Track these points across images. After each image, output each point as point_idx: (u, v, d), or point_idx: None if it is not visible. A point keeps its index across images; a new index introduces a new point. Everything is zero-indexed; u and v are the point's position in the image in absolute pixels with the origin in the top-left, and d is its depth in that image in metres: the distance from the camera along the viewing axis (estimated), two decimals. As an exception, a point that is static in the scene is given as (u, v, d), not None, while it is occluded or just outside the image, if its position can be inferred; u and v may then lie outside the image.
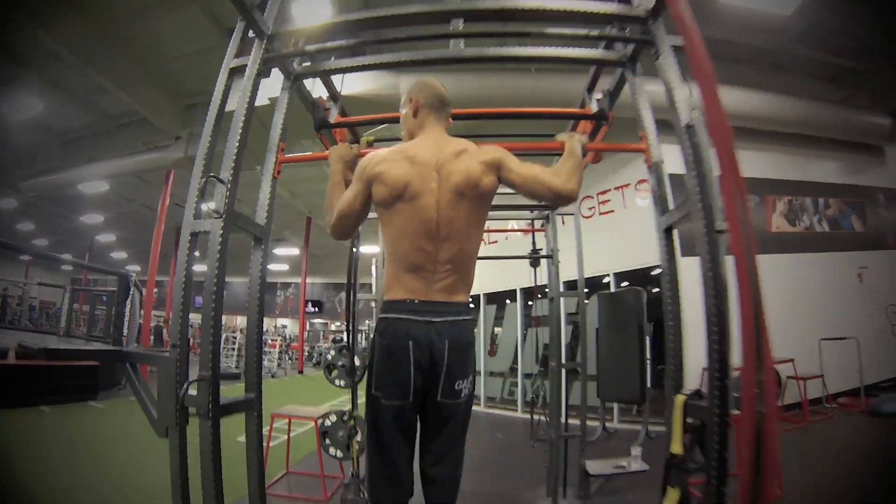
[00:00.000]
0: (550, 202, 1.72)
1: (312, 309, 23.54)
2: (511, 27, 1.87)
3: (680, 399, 1.51)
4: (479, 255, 1.72)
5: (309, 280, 18.06)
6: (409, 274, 1.62)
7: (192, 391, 1.64)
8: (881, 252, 8.41)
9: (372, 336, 1.72)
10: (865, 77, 7.79)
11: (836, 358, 6.90)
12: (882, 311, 7.88)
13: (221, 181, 1.68)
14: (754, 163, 7.39)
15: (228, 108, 1.87)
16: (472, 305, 1.71)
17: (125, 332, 10.31)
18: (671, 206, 1.77)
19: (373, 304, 4.00)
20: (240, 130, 1.75)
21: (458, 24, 1.83)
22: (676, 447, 1.48)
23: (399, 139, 1.89)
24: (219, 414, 1.62)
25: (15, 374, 7.06)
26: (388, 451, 1.62)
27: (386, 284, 1.68)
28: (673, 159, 1.88)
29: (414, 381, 1.57)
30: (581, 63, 2.13)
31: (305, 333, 17.90)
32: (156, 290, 11.37)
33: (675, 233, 1.79)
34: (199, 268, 1.88)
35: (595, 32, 1.96)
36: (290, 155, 2.02)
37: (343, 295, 22.85)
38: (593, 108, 2.24)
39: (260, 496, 1.86)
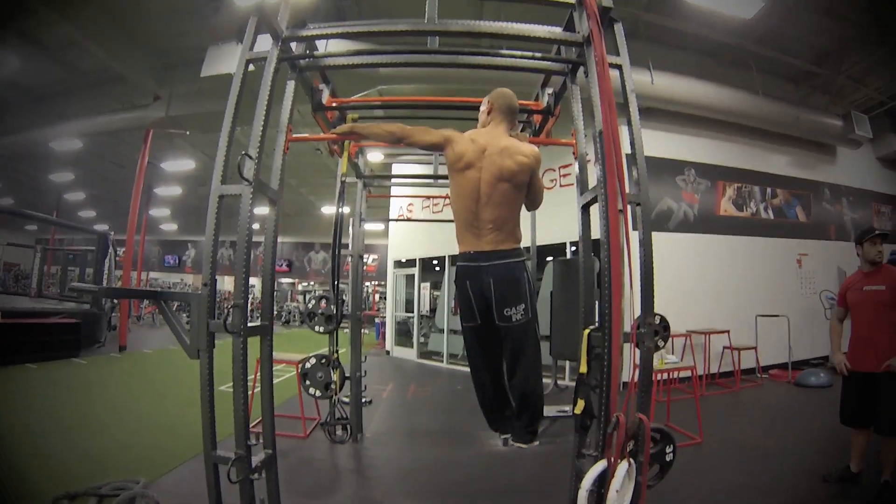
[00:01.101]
0: (530, 207, 2.37)
1: (283, 266, 23.62)
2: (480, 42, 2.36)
3: (586, 331, 2.01)
4: (446, 218, 2.30)
5: (279, 239, 18.10)
6: (464, 231, 2.22)
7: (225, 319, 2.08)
8: (822, 242, 9.16)
9: None
10: (822, 80, 8.39)
11: (770, 334, 7.62)
12: (816, 295, 8.63)
13: (251, 157, 2.15)
14: (710, 150, 7.97)
15: (220, 71, 2.29)
16: (519, 252, 2.25)
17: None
18: (588, 187, 2.27)
19: (348, 259, 4.42)
20: (262, 118, 2.20)
21: (435, 41, 2.33)
22: (583, 367, 1.99)
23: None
24: (248, 333, 2.11)
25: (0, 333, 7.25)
26: (476, 361, 2.33)
27: (457, 237, 2.24)
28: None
29: (477, 308, 2.21)
30: (534, 71, 2.65)
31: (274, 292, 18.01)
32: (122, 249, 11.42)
33: (591, 210, 2.32)
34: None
35: (539, 55, 2.54)
36: (297, 135, 2.47)
37: (312, 254, 23.21)
38: (544, 101, 2.75)
39: (269, 403, 2.38)
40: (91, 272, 11.49)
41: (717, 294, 7.49)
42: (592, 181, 2.14)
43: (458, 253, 2.25)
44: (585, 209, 2.34)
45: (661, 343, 2.62)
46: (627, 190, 1.92)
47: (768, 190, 8.62)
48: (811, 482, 3.41)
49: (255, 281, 23.48)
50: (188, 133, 10.22)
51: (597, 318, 2.09)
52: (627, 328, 1.94)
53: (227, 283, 23.07)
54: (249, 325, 2.11)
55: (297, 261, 24.33)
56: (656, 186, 7.12)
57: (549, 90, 2.81)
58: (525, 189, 2.24)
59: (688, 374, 5.20)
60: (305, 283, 24.24)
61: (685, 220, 7.52)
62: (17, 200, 19.84)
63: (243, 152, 2.13)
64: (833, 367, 3.47)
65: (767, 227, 8.51)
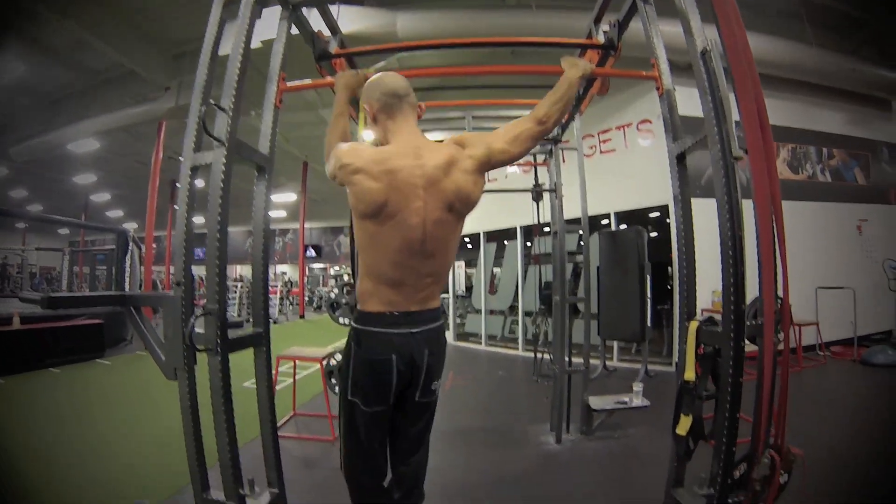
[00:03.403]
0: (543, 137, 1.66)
1: (311, 253, 23.56)
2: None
3: (693, 325, 1.51)
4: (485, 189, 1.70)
5: (307, 225, 18.03)
6: (388, 288, 1.56)
7: (199, 329, 1.63)
8: (882, 206, 8.45)
9: (347, 343, 1.65)
10: (875, 30, 7.70)
11: (831, 307, 7.00)
12: (879, 264, 7.87)
13: (223, 109, 1.62)
14: (760, 108, 7.30)
15: (226, 52, 1.80)
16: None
17: (126, 287, 10.38)
18: (680, 133, 1.73)
19: None
20: (239, 57, 1.69)
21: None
22: (690, 374, 1.49)
23: (395, 69, 1.82)
24: (227, 348, 1.62)
25: (21, 339, 7.12)
26: (365, 445, 1.65)
27: (360, 295, 1.60)
28: (684, 100, 1.84)
29: (395, 389, 1.58)
30: None
31: (305, 278, 18.02)
32: (154, 245, 11.33)
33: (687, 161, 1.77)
34: (198, 219, 1.85)
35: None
36: (293, 83, 1.97)
37: (342, 237, 22.92)
38: (601, 38, 2.16)
39: (272, 431, 1.90)
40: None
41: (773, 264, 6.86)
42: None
43: (363, 312, 1.59)
44: (681, 160, 1.75)
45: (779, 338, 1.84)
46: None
47: (824, 150, 7.93)
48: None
49: (286, 268, 23.83)
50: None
51: (723, 303, 1.47)
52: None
53: (249, 273, 23.13)
54: (237, 335, 1.66)
55: (327, 245, 24.33)
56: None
57: (605, 26, 2.22)
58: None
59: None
60: (337, 268, 24.07)
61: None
62: (47, 206, 20.20)
63: (211, 101, 1.59)
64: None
65: (825, 190, 7.84)
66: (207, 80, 1.74)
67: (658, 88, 1.84)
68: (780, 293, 1.43)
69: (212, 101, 1.61)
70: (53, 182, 16.57)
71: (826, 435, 3.81)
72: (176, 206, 1.84)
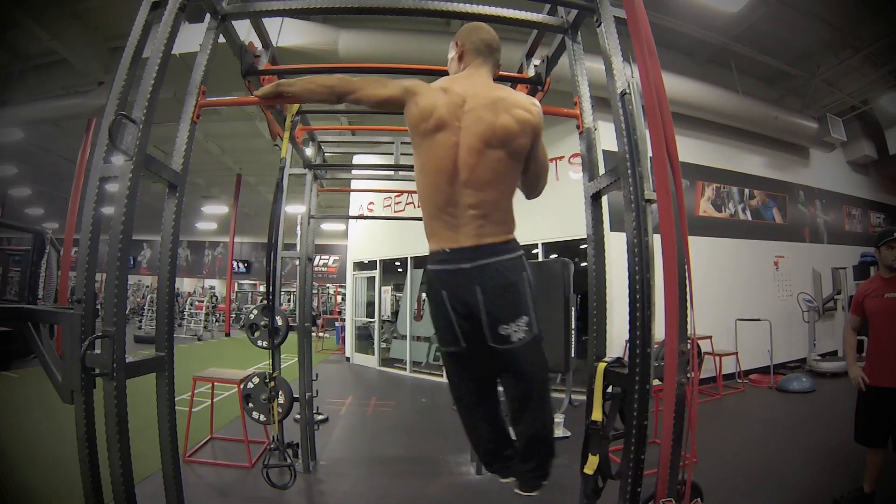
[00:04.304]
0: (529, 193, 1.73)
1: (241, 269, 22.82)
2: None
3: (601, 366, 1.53)
4: (409, 216, 1.67)
5: (237, 239, 17.41)
6: (436, 220, 1.57)
7: (99, 350, 1.52)
8: (797, 244, 9.09)
9: None
10: (797, 82, 8.37)
11: (750, 337, 7.43)
12: (794, 297, 8.44)
13: (133, 121, 1.54)
14: (688, 148, 7.65)
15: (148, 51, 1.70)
16: (514, 244, 1.61)
17: (40, 293, 9.54)
18: (601, 172, 1.78)
19: (296, 262, 3.89)
20: (156, 67, 1.61)
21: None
22: (597, 414, 1.51)
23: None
24: (124, 373, 1.51)
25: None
26: (464, 397, 1.65)
27: (427, 234, 1.62)
28: (606, 135, 1.90)
29: (460, 328, 1.56)
30: (523, 25, 2.06)
31: (233, 294, 17.31)
32: (74, 249, 10.55)
33: (603, 200, 1.82)
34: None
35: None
36: (213, 98, 1.87)
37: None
38: (530, 72, 2.21)
39: (173, 462, 1.77)
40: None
41: (697, 298, 7.15)
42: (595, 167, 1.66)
43: (428, 252, 1.61)
44: (596, 199, 1.80)
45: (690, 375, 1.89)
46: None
47: (746, 191, 8.48)
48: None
49: (215, 282, 22.77)
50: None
51: (628, 346, 1.52)
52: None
53: (185, 285, 22.07)
54: (134, 359, 1.55)
55: (257, 261, 23.50)
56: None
57: (537, 60, 2.26)
58: (522, 161, 1.60)
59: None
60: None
61: (665, 221, 7.20)
62: (-46, 196, 18.41)
63: (120, 112, 1.51)
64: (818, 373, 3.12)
65: (746, 228, 8.34)
66: (125, 87, 1.64)
67: (578, 127, 1.89)
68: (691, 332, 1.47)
69: (122, 113, 1.53)
70: (-36, 172, 15.20)
71: (744, 455, 4.09)
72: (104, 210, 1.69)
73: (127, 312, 1.62)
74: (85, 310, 1.50)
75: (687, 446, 1.50)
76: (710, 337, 6.74)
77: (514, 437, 1.69)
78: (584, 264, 1.95)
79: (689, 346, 1.36)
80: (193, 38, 1.77)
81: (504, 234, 1.58)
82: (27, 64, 8.86)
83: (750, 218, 8.45)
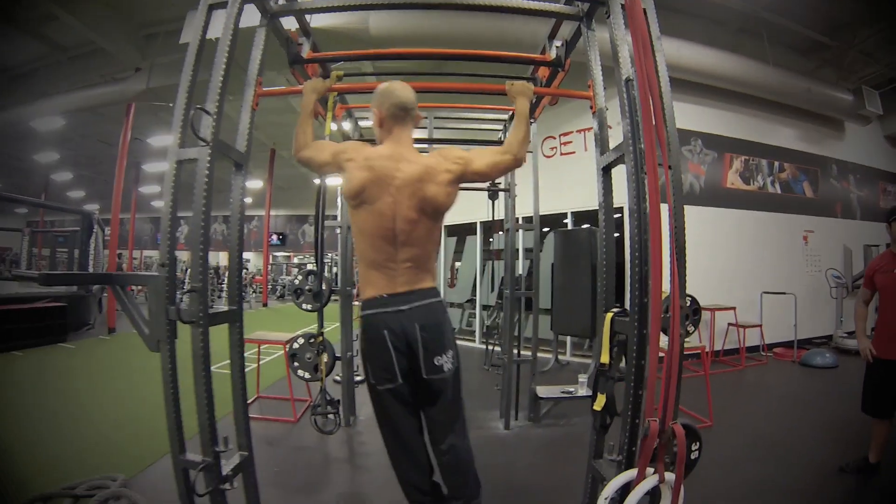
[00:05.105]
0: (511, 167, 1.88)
1: (276, 241, 23.34)
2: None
3: (609, 315, 1.75)
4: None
5: (272, 212, 17.89)
6: (374, 272, 1.79)
7: (182, 307, 1.80)
8: (828, 219, 8.95)
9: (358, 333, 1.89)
10: (832, 53, 8.08)
11: (775, 311, 7.46)
12: (822, 273, 8.41)
13: (208, 112, 1.81)
14: (717, 120, 7.65)
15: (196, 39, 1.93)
16: (437, 290, 1.88)
17: (90, 268, 10.14)
18: (610, 148, 1.98)
19: (337, 231, 4.17)
20: (223, 65, 1.87)
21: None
22: (605, 357, 1.73)
23: (365, 73, 2.02)
24: (208, 322, 1.80)
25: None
26: (396, 431, 1.85)
27: (360, 285, 1.85)
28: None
29: (398, 364, 1.77)
30: (542, 15, 2.24)
31: (269, 266, 17.94)
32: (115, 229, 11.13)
33: (613, 172, 2.01)
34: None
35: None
36: (268, 88, 2.14)
37: (307, 226, 22.85)
38: (552, 54, 2.40)
39: (242, 399, 2.10)
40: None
41: (722, 269, 7.25)
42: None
43: (362, 301, 1.83)
44: (607, 172, 2.01)
45: (690, 328, 2.19)
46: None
47: (776, 164, 8.36)
48: (829, 473, 3.23)
49: (250, 255, 23.47)
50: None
51: (627, 300, 1.74)
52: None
53: (221, 259, 22.93)
54: (216, 310, 1.84)
55: (291, 233, 24.09)
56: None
57: (558, 42, 2.45)
58: (443, 218, 1.85)
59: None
60: (301, 256, 23.86)
61: (691, 192, 7.21)
62: (5, 184, 19.41)
63: (198, 106, 1.79)
64: (838, 348, 3.25)
65: (774, 201, 8.26)
66: (191, 83, 1.90)
67: (591, 108, 2.09)
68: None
69: (199, 106, 1.81)
70: (12, 159, 15.98)
71: (759, 424, 4.25)
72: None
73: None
74: (169, 272, 1.79)
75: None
76: (734, 308, 6.81)
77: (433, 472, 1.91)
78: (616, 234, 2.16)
79: (688, 302, 1.56)
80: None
81: (431, 281, 1.85)
82: (65, 55, 9.26)
83: (779, 191, 8.35)
